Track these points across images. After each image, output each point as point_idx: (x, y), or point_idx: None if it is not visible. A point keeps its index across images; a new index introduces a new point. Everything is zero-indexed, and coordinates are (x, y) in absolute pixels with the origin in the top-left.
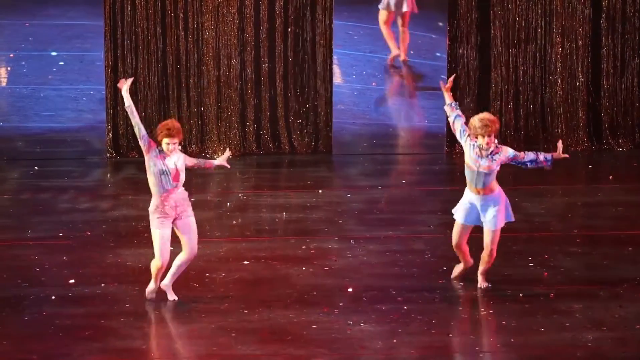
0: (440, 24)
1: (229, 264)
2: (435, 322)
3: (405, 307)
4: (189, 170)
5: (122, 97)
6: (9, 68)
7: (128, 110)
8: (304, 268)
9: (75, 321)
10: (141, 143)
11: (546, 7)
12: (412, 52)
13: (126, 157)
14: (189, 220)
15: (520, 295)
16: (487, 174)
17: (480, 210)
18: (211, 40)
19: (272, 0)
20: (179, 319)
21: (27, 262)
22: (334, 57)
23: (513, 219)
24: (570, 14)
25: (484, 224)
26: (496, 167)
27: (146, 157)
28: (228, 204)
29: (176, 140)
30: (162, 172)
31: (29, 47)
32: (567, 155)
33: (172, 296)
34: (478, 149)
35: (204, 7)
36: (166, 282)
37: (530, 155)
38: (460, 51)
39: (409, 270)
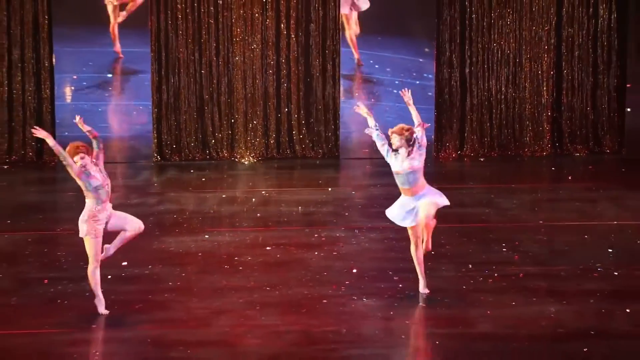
0: (427, 49)
1: (254, 250)
2: (425, 298)
3: (400, 285)
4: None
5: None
6: (72, 87)
7: (54, 149)
8: (316, 253)
9: (128, 296)
10: (74, 172)
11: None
12: (402, 74)
13: (169, 160)
14: (117, 213)
15: (495, 275)
16: (412, 173)
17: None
18: (239, 64)
19: (288, 31)
20: (213, 295)
21: None
22: (340, 78)
23: (447, 203)
24: (536, 42)
25: (419, 207)
26: (419, 165)
27: (80, 183)
28: (253, 199)
29: (84, 155)
30: (98, 188)
31: (89, 70)
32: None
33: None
34: (399, 154)
35: (234, 36)
36: (110, 249)
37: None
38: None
39: (403, 255)
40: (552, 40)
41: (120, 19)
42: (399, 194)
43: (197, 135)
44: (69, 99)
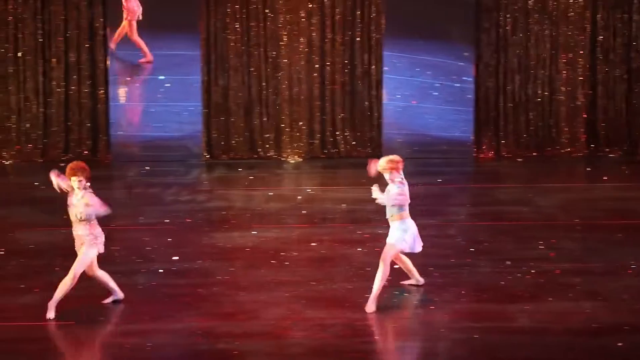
0: (466, 53)
1: (300, 245)
2: (464, 293)
3: (440, 281)
4: None
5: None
6: (126, 89)
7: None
8: (359, 249)
9: (178, 290)
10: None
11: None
12: (442, 77)
13: (218, 159)
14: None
15: (532, 271)
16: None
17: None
18: (285, 66)
19: (333, 34)
20: (260, 289)
21: (140, 242)
22: (383, 80)
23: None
24: (572, 46)
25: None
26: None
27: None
28: (299, 197)
29: (81, 178)
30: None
31: (142, 72)
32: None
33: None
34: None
35: (280, 39)
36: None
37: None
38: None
39: (443, 251)
40: (587, 45)
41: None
42: (440, 193)
43: (245, 135)
44: (122, 99)
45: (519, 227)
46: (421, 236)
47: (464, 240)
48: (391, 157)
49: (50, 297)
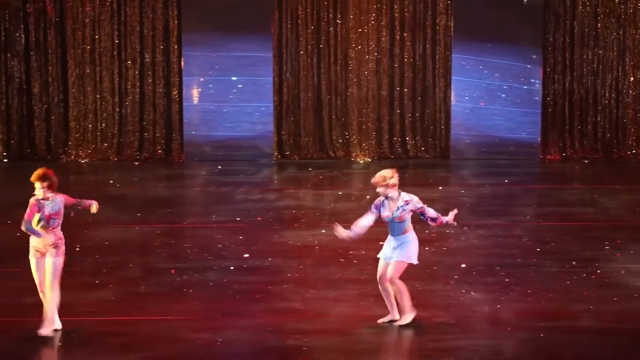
0: (534, 56)
1: (368, 244)
2: (530, 292)
3: (506, 280)
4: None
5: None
6: (199, 89)
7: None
8: (426, 248)
9: (249, 286)
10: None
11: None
12: (510, 79)
13: (288, 159)
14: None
15: (598, 271)
16: (400, 222)
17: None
18: (355, 69)
19: (402, 37)
20: (329, 287)
21: (212, 240)
22: (451, 82)
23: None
24: None
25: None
26: (407, 216)
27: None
28: (367, 196)
29: (44, 184)
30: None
31: (215, 73)
32: (454, 223)
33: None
34: (388, 204)
35: (350, 42)
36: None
37: (431, 213)
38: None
39: (510, 251)
40: None
41: None
42: (507, 194)
43: (314, 135)
44: (196, 100)
45: (585, 227)
46: (488, 236)
47: (530, 240)
48: (384, 173)
49: (124, 293)
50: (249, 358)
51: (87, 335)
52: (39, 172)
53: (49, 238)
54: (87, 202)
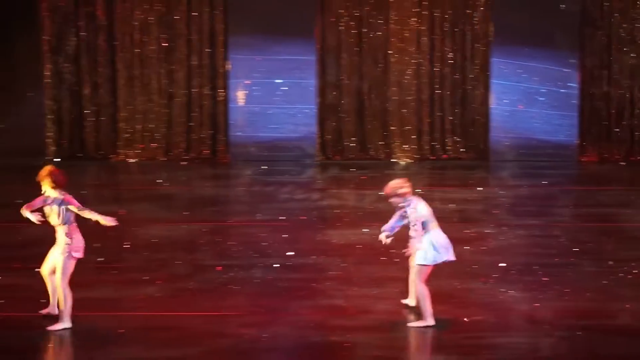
0: (572, 60)
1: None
2: (568, 291)
3: (544, 279)
4: None
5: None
6: (245, 91)
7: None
8: (466, 247)
9: (293, 283)
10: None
11: None
12: (548, 83)
13: (331, 160)
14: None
15: (634, 271)
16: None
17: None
18: (396, 72)
19: (443, 41)
20: (371, 284)
21: (257, 238)
22: (490, 85)
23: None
24: None
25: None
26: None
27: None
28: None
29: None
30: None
31: (260, 76)
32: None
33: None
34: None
35: (391, 45)
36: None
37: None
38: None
39: (547, 251)
40: None
41: None
42: (544, 195)
43: (356, 136)
44: (241, 102)
45: (622, 228)
46: (527, 236)
47: (568, 240)
48: (392, 184)
49: (172, 289)
50: (292, 353)
51: (135, 330)
52: (42, 171)
53: (59, 234)
54: (101, 216)
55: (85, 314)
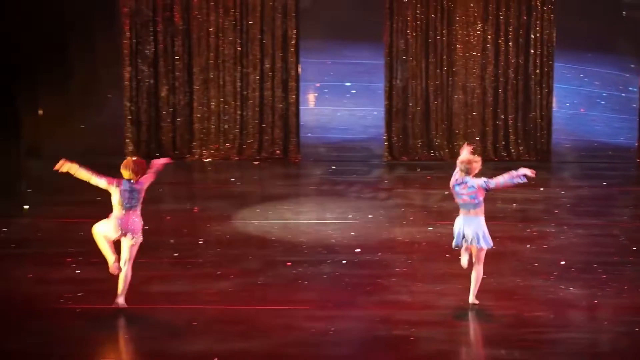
0: (632, 65)
1: None
2: (626, 289)
3: (603, 277)
4: None
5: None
6: (315, 94)
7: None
8: (527, 246)
9: (360, 279)
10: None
11: None
12: (609, 87)
13: (398, 160)
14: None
15: None
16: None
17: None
18: (461, 75)
19: (507, 46)
20: (435, 281)
21: (326, 235)
22: (553, 89)
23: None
24: None
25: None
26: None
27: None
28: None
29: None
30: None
31: (330, 79)
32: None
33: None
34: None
35: (456, 50)
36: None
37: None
38: None
39: (607, 249)
40: None
41: None
42: (604, 195)
43: (422, 138)
44: (312, 104)
45: None
46: (587, 235)
47: (627, 239)
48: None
49: (243, 283)
50: (359, 346)
51: (208, 323)
52: (126, 162)
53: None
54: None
55: (161, 307)
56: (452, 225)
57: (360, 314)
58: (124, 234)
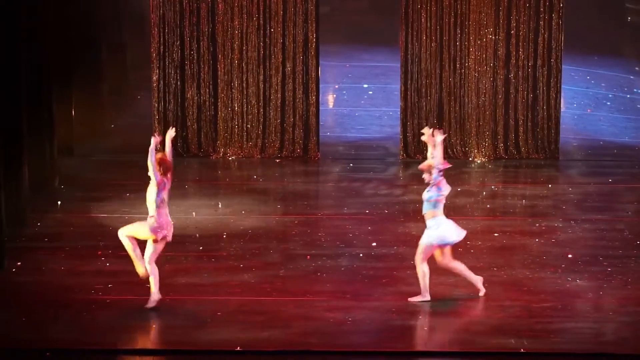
0: (637, 68)
1: (483, 235)
2: (631, 280)
3: (609, 269)
4: None
5: None
6: (334, 95)
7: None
8: (536, 240)
9: (376, 272)
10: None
11: None
12: (615, 89)
13: (413, 158)
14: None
15: None
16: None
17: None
18: (473, 78)
19: (517, 49)
20: (448, 273)
21: (344, 230)
22: (561, 91)
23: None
24: None
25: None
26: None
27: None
28: (483, 193)
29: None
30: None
31: (348, 81)
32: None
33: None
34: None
35: (469, 54)
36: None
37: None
38: None
39: (612, 243)
40: None
41: None
42: (610, 192)
43: None
44: (331, 105)
45: None
46: (593, 230)
47: (631, 234)
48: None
49: (265, 275)
50: (375, 335)
51: (231, 313)
52: (167, 162)
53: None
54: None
55: (187, 298)
56: (464, 220)
57: (376, 304)
58: (167, 235)
